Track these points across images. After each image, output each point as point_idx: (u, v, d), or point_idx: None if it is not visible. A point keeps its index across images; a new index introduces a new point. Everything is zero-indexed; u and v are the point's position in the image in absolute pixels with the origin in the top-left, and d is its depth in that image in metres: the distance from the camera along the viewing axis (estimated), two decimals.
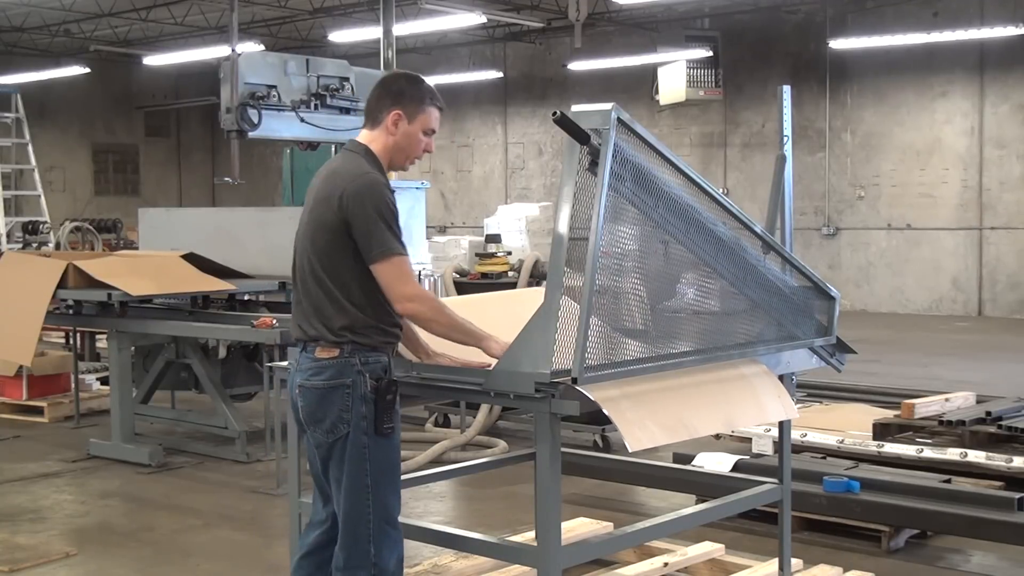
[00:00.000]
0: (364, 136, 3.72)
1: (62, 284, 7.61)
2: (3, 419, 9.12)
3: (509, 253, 9.58)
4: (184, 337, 7.79)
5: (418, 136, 3.69)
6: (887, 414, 7.01)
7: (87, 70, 22.77)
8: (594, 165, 3.34)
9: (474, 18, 16.76)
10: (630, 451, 3.34)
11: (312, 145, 9.87)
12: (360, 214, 3.49)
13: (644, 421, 3.39)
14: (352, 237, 3.51)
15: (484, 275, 9.00)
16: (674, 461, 6.15)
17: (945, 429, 6.43)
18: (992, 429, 6.37)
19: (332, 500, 3.71)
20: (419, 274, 10.69)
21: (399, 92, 3.67)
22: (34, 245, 16.91)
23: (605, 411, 3.29)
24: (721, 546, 5.12)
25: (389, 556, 3.64)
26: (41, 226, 17.76)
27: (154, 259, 8.31)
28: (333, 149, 10.36)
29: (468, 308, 4.00)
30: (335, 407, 3.55)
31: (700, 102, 18.71)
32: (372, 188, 3.53)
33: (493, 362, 3.55)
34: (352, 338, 3.55)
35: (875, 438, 6.48)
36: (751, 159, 19.05)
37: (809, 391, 8.04)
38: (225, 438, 7.78)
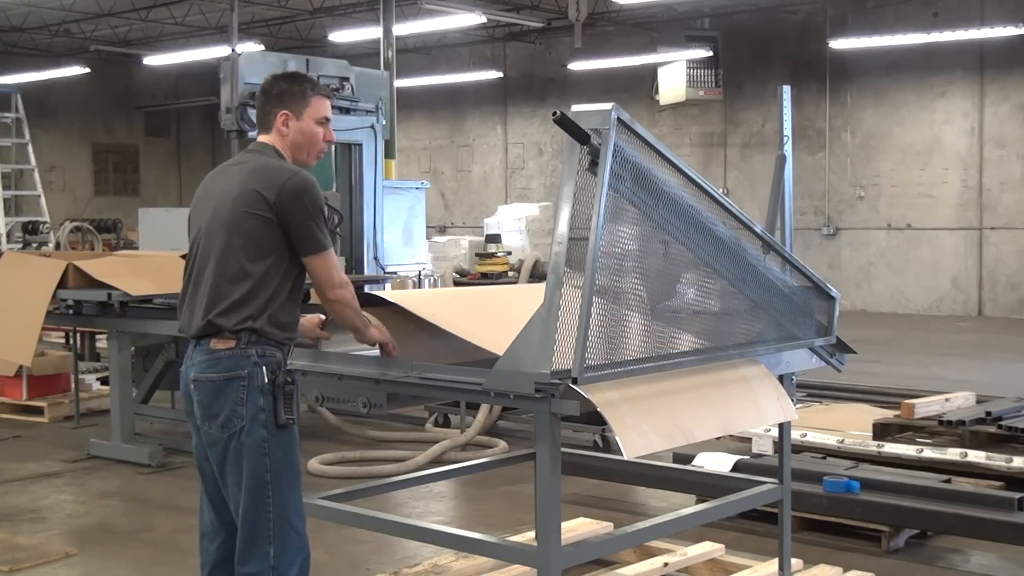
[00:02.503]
0: (266, 138, 3.75)
1: (62, 284, 7.61)
2: (3, 419, 9.12)
3: (509, 253, 9.59)
4: (184, 337, 7.77)
5: (312, 129, 3.73)
6: (887, 414, 7.01)
7: (87, 70, 22.78)
8: (594, 165, 3.34)
9: (474, 18, 16.77)
10: (627, 458, 3.34)
11: None
12: (299, 212, 3.54)
13: (642, 427, 3.39)
14: (283, 234, 3.56)
15: (484, 275, 9.01)
16: (674, 461, 6.14)
17: (945, 429, 6.43)
18: (992, 429, 6.37)
19: (228, 508, 3.62)
20: (419, 274, 10.70)
21: (280, 93, 3.70)
22: (34, 245, 16.92)
23: (604, 416, 3.29)
24: (721, 546, 5.12)
25: (291, 560, 3.55)
26: (41, 226, 17.77)
27: (154, 259, 8.30)
28: (333, 149, 10.36)
29: (464, 301, 4.01)
30: (229, 400, 3.51)
31: (700, 102, 18.73)
32: (308, 186, 3.58)
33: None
34: (253, 328, 3.53)
35: (875, 438, 6.48)
36: (751, 159, 19.05)
37: (809, 391, 8.04)
38: None
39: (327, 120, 3.78)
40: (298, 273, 3.64)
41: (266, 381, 3.50)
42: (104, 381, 9.51)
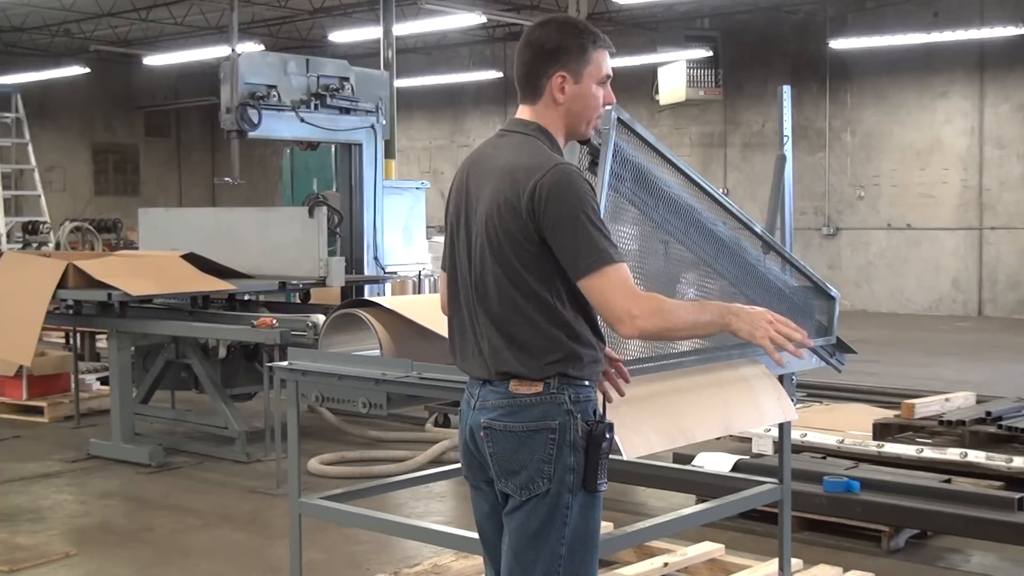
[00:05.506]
0: (527, 113, 2.98)
1: (62, 284, 7.61)
2: (3, 419, 9.11)
3: None
4: (184, 337, 7.78)
5: (591, 92, 2.93)
6: (887, 414, 7.01)
7: (87, 70, 22.78)
8: (594, 165, 3.34)
9: (474, 18, 16.77)
10: (626, 458, 3.34)
11: (312, 145, 9.88)
12: (557, 217, 2.75)
13: (642, 427, 3.39)
14: (550, 246, 2.79)
15: None
16: (674, 461, 6.14)
17: (945, 429, 6.43)
18: (992, 429, 6.37)
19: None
20: (419, 274, 10.68)
21: (555, 49, 2.93)
22: (34, 245, 16.91)
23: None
24: (721, 546, 5.12)
25: None
26: (41, 226, 17.77)
27: (154, 259, 8.31)
28: (333, 149, 10.37)
29: None
30: (535, 456, 2.82)
31: (700, 102, 18.72)
32: (568, 183, 2.77)
33: None
34: (561, 370, 2.82)
35: (875, 438, 6.48)
36: (751, 159, 19.05)
37: (809, 391, 8.04)
38: (225, 438, 7.77)
39: (608, 78, 2.97)
40: None
41: (580, 435, 2.83)
42: (104, 381, 9.51)
